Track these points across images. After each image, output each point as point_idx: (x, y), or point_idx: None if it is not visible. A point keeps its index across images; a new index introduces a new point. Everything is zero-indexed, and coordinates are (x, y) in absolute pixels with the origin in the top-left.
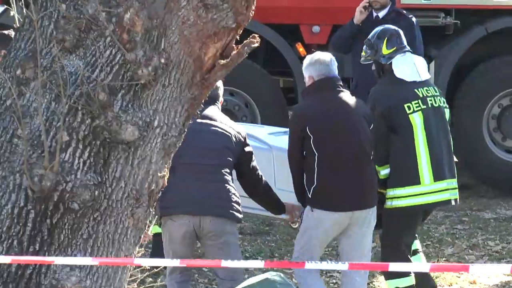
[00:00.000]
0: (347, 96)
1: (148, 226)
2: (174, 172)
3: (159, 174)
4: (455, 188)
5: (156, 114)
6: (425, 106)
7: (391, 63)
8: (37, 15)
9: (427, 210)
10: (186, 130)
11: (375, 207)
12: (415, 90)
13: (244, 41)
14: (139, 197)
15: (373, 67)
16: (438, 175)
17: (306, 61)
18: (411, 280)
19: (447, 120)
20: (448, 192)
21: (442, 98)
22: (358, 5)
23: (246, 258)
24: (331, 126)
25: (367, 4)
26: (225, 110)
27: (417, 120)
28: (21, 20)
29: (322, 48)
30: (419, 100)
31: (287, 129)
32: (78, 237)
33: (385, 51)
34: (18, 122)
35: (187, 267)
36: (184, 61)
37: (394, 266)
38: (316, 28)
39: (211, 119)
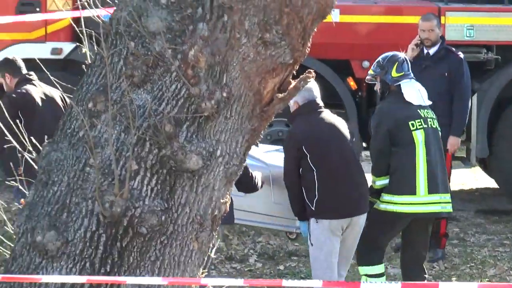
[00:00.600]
0: (330, 115)
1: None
2: None
3: (221, 201)
4: (448, 202)
5: (219, 145)
6: (426, 126)
7: (398, 85)
8: (108, 52)
9: (416, 219)
10: (245, 157)
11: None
12: (418, 110)
13: (300, 76)
14: (203, 222)
15: (378, 86)
16: (432, 189)
17: None
18: (382, 268)
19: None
20: (439, 205)
21: (437, 122)
22: (405, 42)
23: (302, 279)
24: (326, 144)
25: (419, 41)
26: (282, 139)
27: (419, 137)
28: (93, 56)
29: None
30: (422, 120)
31: (279, 147)
32: (146, 260)
33: (394, 74)
34: (90, 152)
35: None
36: (245, 94)
37: (444, 285)
38: (365, 63)
39: None
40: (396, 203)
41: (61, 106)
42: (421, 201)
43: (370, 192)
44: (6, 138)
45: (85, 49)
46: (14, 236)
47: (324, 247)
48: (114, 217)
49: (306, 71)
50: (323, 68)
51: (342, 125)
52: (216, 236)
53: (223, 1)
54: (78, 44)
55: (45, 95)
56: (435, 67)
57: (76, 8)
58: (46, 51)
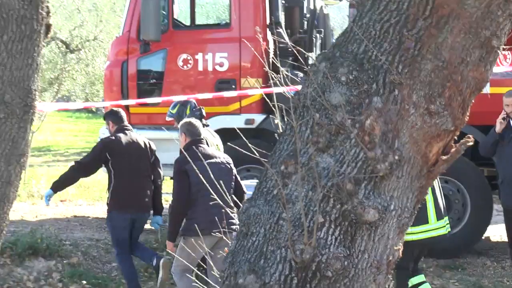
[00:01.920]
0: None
1: None
2: (196, 204)
3: (395, 248)
4: (448, 224)
5: (392, 200)
6: None
7: None
8: (297, 123)
9: (430, 243)
10: (415, 211)
11: None
12: None
13: (461, 141)
14: (379, 266)
15: None
16: (439, 215)
17: None
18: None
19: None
20: (444, 228)
21: None
22: None
23: None
24: None
25: (505, 115)
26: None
27: None
28: (283, 126)
29: None
30: None
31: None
32: None
33: None
34: (283, 207)
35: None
36: (413, 157)
37: None
38: None
39: (215, 157)
40: (413, 233)
41: (145, 149)
42: (433, 227)
43: None
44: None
45: (277, 120)
46: (220, 279)
47: None
48: (304, 262)
49: (466, 136)
50: (476, 133)
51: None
52: (391, 278)
53: (394, 78)
54: (269, 115)
55: (132, 140)
56: None
57: (267, 86)
58: (241, 121)
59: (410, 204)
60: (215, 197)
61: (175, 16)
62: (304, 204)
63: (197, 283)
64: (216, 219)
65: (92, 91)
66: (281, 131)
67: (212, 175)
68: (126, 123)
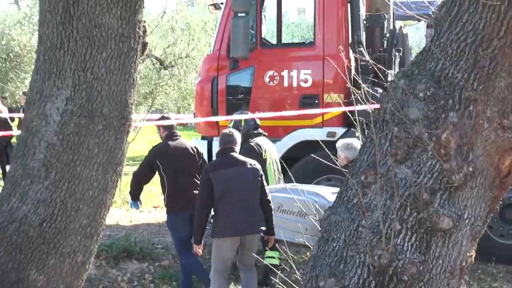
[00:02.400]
0: None
1: None
2: (219, 208)
3: (468, 254)
4: None
5: (466, 209)
6: None
7: None
8: (377, 136)
9: None
10: (487, 220)
11: None
12: None
13: None
14: (453, 271)
15: None
16: None
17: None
18: None
19: None
20: None
21: None
22: None
23: None
24: None
25: None
26: None
27: None
28: (364, 139)
29: None
30: None
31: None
32: None
33: None
34: (362, 215)
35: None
36: (487, 169)
37: None
38: None
39: (242, 164)
40: None
41: (193, 153)
42: None
43: None
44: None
45: (358, 133)
46: (302, 282)
47: None
48: (381, 267)
49: None
50: None
51: None
52: (463, 283)
53: (469, 94)
54: (350, 128)
55: (180, 146)
56: None
57: (349, 101)
58: (323, 134)
59: (482, 213)
60: (236, 200)
61: (262, 35)
62: (382, 212)
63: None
64: (238, 221)
65: (183, 105)
66: (361, 143)
67: (235, 181)
68: (175, 130)
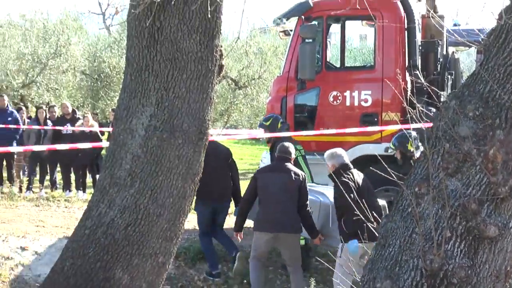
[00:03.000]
0: (357, 173)
1: None
2: (261, 205)
3: None
4: None
5: (511, 219)
6: None
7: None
8: (430, 151)
9: None
10: None
11: None
12: None
13: None
14: (498, 276)
15: (398, 155)
16: None
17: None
18: None
19: None
20: None
21: None
22: None
23: None
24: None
25: None
26: None
27: None
28: (420, 154)
29: None
30: None
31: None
32: None
33: (410, 147)
34: (416, 223)
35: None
36: None
37: None
38: None
39: (286, 171)
40: None
41: (224, 153)
42: None
43: None
44: None
45: (413, 149)
46: (360, 283)
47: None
48: (433, 271)
49: None
50: None
51: (365, 179)
52: (508, 286)
53: None
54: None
55: (213, 146)
56: None
57: (405, 119)
58: (381, 149)
59: None
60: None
61: (327, 59)
62: (434, 220)
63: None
64: (272, 220)
65: (255, 121)
66: (416, 158)
67: (274, 185)
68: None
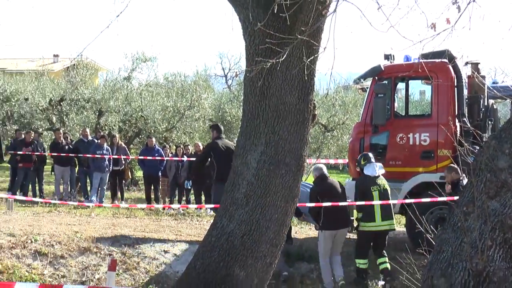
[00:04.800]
0: (333, 180)
1: None
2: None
3: None
4: (393, 224)
5: None
6: (379, 188)
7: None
8: (475, 179)
9: (377, 235)
10: None
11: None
12: (375, 180)
13: None
14: None
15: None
16: (384, 217)
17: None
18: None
19: (389, 193)
20: (388, 226)
21: (387, 183)
22: None
23: None
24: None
25: None
26: None
27: (375, 194)
28: (466, 182)
29: None
30: (376, 185)
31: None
32: None
33: (363, 162)
34: (464, 234)
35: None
36: None
37: None
38: None
39: (335, 182)
40: (365, 226)
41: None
42: (377, 224)
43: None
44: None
45: (462, 177)
46: (421, 280)
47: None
48: (478, 271)
49: None
50: None
51: (338, 184)
52: None
53: None
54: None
55: (225, 145)
56: None
57: (455, 155)
58: (437, 177)
59: None
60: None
61: (395, 109)
62: (478, 233)
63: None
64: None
65: (340, 156)
66: (464, 185)
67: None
68: (222, 134)
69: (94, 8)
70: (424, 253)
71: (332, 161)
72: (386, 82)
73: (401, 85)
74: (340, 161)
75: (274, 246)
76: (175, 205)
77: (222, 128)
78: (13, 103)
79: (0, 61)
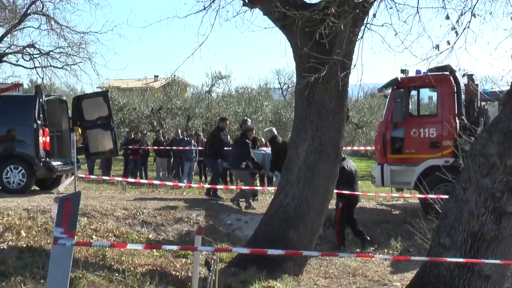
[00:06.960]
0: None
1: None
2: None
3: None
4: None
5: None
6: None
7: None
8: (471, 162)
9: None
10: None
11: None
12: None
13: None
14: None
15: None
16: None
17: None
18: None
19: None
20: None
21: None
22: None
23: None
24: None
25: None
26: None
27: None
28: (464, 164)
29: None
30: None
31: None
32: None
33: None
34: (463, 204)
35: None
36: None
37: None
38: None
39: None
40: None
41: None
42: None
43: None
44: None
45: (461, 161)
46: (431, 239)
47: None
48: (474, 232)
49: None
50: None
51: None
52: None
53: None
54: (457, 158)
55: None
56: None
57: (456, 145)
58: (442, 162)
59: None
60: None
61: (409, 111)
62: (474, 203)
63: None
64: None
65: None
66: (463, 167)
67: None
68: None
69: (184, 38)
70: (433, 219)
71: (362, 149)
72: (403, 90)
73: (414, 92)
74: (369, 148)
75: (319, 215)
76: (258, 187)
77: (225, 121)
78: (125, 112)
79: (116, 81)
